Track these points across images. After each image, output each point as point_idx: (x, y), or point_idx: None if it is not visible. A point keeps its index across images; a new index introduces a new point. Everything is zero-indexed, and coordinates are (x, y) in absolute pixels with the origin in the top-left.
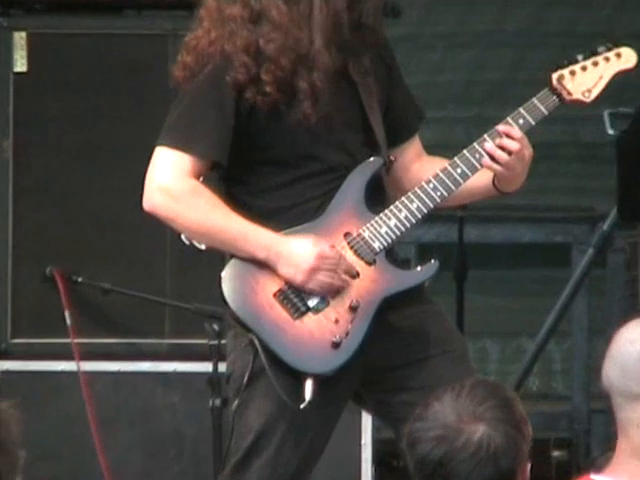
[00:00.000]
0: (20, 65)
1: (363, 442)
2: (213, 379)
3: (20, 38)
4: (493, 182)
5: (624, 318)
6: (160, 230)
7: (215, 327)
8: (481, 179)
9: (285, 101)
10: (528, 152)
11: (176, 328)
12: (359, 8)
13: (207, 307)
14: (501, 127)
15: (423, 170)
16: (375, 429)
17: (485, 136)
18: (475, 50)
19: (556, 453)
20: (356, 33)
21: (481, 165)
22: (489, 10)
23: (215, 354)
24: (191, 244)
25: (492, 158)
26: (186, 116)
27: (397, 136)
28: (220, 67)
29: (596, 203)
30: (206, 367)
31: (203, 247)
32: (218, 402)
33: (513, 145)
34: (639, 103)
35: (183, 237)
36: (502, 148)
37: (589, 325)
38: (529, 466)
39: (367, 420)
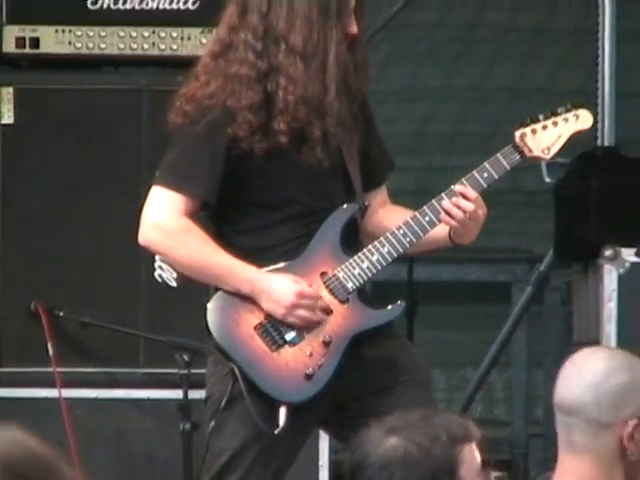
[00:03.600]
0: (7, 117)
1: (321, 463)
2: (183, 405)
3: (7, 93)
4: (449, 235)
5: (560, 351)
6: (135, 268)
7: (185, 357)
8: (438, 231)
9: (293, 149)
10: (482, 211)
11: (149, 358)
12: (354, 60)
13: (178, 339)
14: (458, 187)
15: (386, 216)
16: (332, 451)
17: (442, 194)
18: (426, 104)
19: (497, 474)
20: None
21: (439, 220)
22: (439, 67)
23: (185, 382)
24: (163, 282)
25: (449, 215)
26: (182, 159)
27: (369, 183)
28: (220, 119)
29: (534, 245)
30: (177, 394)
31: (174, 284)
32: (188, 426)
33: (468, 206)
34: (574, 155)
35: (156, 275)
36: (458, 207)
37: (528, 357)
38: None
39: (324, 443)
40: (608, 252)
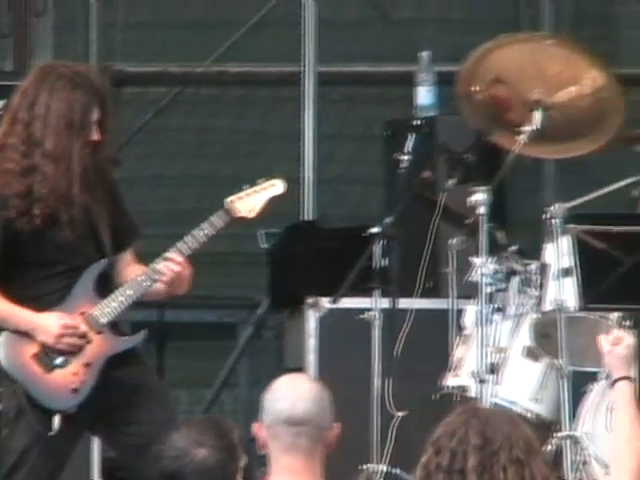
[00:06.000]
0: None
1: (92, 459)
2: None
3: None
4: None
5: (274, 374)
6: None
7: None
8: (160, 285)
9: (49, 227)
10: (187, 272)
11: None
12: (96, 159)
13: None
14: (168, 254)
15: (132, 272)
16: (102, 450)
17: (159, 259)
18: (173, 189)
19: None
20: (94, 175)
21: (155, 281)
22: (180, 161)
23: None
24: None
25: (161, 274)
26: None
27: (118, 247)
28: None
29: (255, 295)
30: None
31: None
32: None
33: (174, 268)
34: (283, 226)
35: None
36: (167, 269)
37: (249, 379)
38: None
39: (95, 443)
40: (310, 300)
